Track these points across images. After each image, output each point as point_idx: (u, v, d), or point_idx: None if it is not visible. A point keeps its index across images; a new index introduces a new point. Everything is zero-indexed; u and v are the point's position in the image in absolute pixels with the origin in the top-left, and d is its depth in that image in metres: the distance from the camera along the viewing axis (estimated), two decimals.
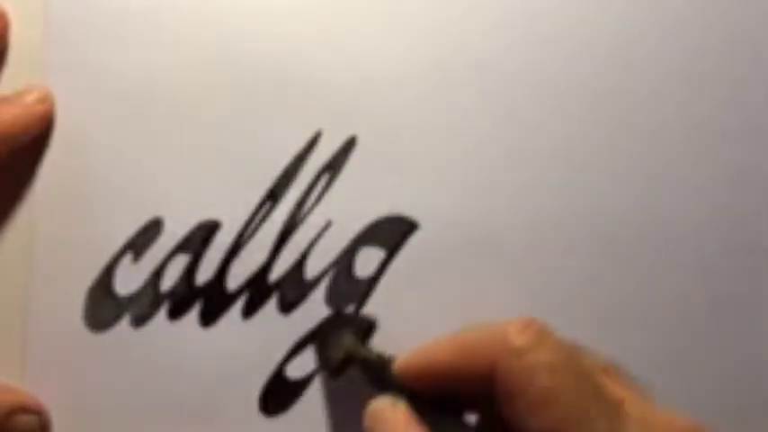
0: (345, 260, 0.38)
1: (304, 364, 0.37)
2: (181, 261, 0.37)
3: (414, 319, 0.37)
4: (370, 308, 0.38)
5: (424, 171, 0.38)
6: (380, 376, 0.34)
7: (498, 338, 0.31)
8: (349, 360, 0.36)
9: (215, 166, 0.38)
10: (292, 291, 0.37)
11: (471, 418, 0.34)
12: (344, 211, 0.38)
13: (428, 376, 0.33)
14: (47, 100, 0.37)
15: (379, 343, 0.37)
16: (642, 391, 0.32)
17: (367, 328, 0.37)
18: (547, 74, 0.38)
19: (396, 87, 0.38)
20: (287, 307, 0.37)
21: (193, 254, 0.37)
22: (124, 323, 0.37)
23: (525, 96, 0.38)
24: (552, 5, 0.38)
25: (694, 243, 0.38)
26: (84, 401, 0.37)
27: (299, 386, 0.37)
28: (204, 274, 0.38)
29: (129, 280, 0.37)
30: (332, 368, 0.36)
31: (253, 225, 0.38)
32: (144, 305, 0.37)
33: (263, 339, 0.37)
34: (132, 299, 0.37)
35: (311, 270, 0.38)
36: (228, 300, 0.37)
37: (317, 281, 0.38)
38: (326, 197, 0.38)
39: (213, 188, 0.38)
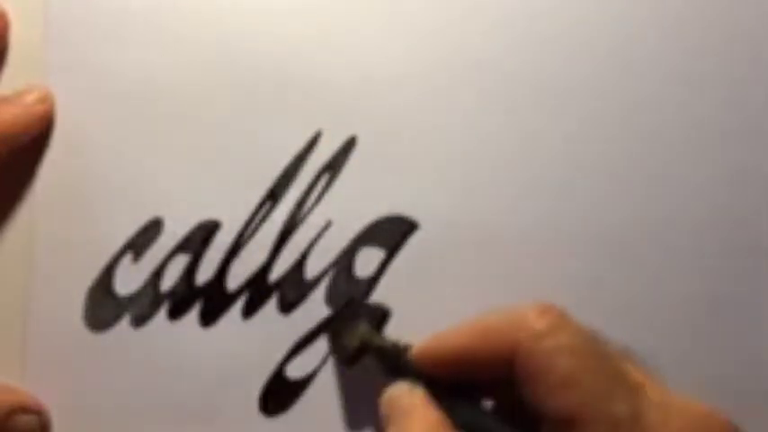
0: (345, 260, 0.38)
1: (304, 364, 0.37)
2: (181, 261, 0.37)
3: (414, 319, 0.37)
4: None
5: (424, 171, 0.38)
6: (396, 364, 0.34)
7: (518, 322, 0.31)
8: (364, 349, 0.36)
9: (215, 166, 0.38)
10: (292, 291, 0.37)
11: (487, 404, 0.34)
12: (344, 211, 0.38)
13: (446, 362, 0.33)
14: (47, 100, 0.37)
15: None
16: (658, 378, 0.32)
17: (381, 316, 0.37)
18: (547, 74, 0.38)
19: (396, 87, 0.38)
20: (287, 307, 0.37)
21: (193, 254, 0.37)
22: (124, 323, 0.37)
23: (525, 96, 0.38)
24: (552, 5, 0.38)
25: (694, 243, 0.38)
26: (84, 401, 0.37)
27: (299, 386, 0.37)
28: (204, 274, 0.38)
29: (129, 280, 0.37)
30: (347, 357, 0.36)
31: (253, 225, 0.38)
32: (144, 305, 0.37)
33: (263, 339, 0.37)
34: (132, 299, 0.37)
35: (311, 270, 0.38)
36: (228, 300, 0.37)
37: (317, 281, 0.38)
38: (326, 197, 0.38)
39: (213, 188, 0.38)
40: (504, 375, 0.31)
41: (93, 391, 0.37)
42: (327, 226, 0.38)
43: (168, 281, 0.37)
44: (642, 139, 0.38)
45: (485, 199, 0.38)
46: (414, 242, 0.38)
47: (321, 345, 0.37)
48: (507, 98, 0.38)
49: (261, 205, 0.38)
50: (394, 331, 0.37)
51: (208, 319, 0.37)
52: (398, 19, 0.38)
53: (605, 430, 0.29)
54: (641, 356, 0.37)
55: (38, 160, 0.38)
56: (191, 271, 0.37)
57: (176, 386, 0.37)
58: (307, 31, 0.38)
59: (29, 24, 0.38)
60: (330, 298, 0.37)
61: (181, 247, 0.37)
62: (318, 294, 0.38)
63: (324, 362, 0.37)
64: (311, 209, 0.38)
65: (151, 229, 0.38)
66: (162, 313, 0.37)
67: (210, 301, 0.37)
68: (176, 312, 0.37)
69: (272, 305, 0.37)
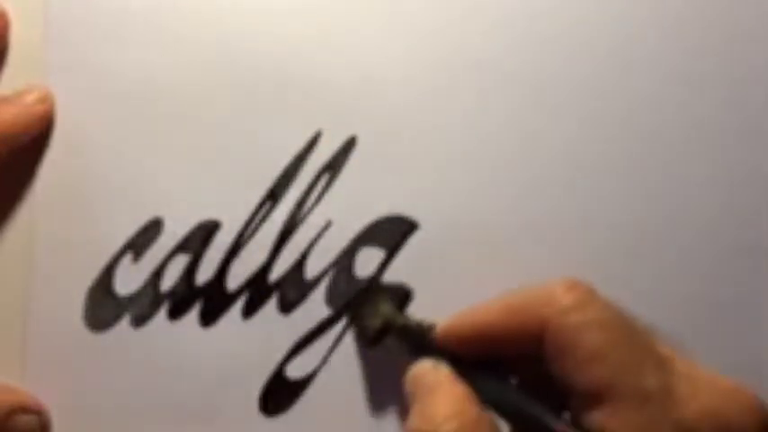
0: (345, 260, 0.38)
1: (304, 364, 0.37)
2: (181, 261, 0.37)
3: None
4: None
5: (424, 171, 0.38)
6: (421, 343, 0.34)
7: (546, 298, 0.31)
8: (387, 328, 0.36)
9: (215, 166, 0.38)
10: (292, 291, 0.37)
11: (512, 381, 0.34)
12: (344, 211, 0.38)
13: (472, 339, 0.33)
14: (47, 100, 0.37)
15: None
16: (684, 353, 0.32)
17: (403, 296, 0.37)
18: (547, 74, 0.38)
19: (396, 87, 0.38)
20: (287, 307, 0.37)
21: (193, 254, 0.37)
22: (124, 323, 0.37)
23: (525, 96, 0.38)
24: (552, 5, 0.38)
25: (694, 243, 0.38)
26: (84, 401, 0.37)
27: (299, 386, 0.37)
28: (204, 274, 0.38)
29: (129, 280, 0.37)
30: (369, 337, 0.36)
31: (253, 225, 0.38)
32: (144, 305, 0.37)
33: (263, 339, 0.37)
34: (132, 299, 0.37)
35: (311, 270, 0.38)
36: (228, 300, 0.37)
37: (317, 281, 0.38)
38: (326, 197, 0.38)
39: (213, 188, 0.38)
40: (531, 351, 0.31)
41: (93, 391, 0.37)
42: (327, 226, 0.38)
43: (168, 281, 0.37)
44: (642, 139, 0.38)
45: (485, 199, 0.38)
46: (414, 242, 0.38)
47: (321, 345, 0.37)
48: (507, 98, 0.38)
49: (261, 205, 0.38)
50: None
51: (208, 319, 0.37)
52: (398, 19, 0.38)
53: (635, 404, 0.29)
54: None
55: (38, 160, 0.37)
56: (191, 271, 0.37)
57: (176, 386, 0.37)
58: (307, 31, 0.38)
59: (29, 24, 0.38)
60: (330, 298, 0.37)
61: (181, 247, 0.37)
62: (318, 294, 0.38)
63: (324, 362, 0.37)
64: (311, 209, 0.38)
65: (151, 229, 0.38)
66: (162, 313, 0.37)
67: (210, 301, 0.37)
68: (176, 312, 0.37)
69: (272, 305, 0.37)
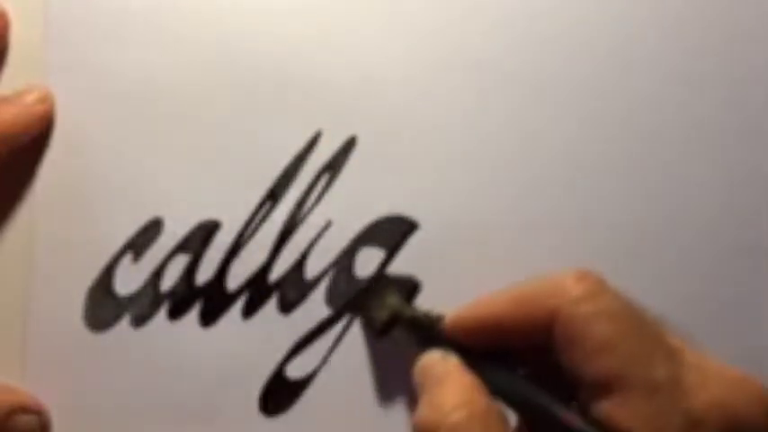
0: (345, 260, 0.38)
1: (304, 364, 0.37)
2: (181, 261, 0.37)
3: None
4: None
5: (424, 171, 0.38)
6: (429, 334, 0.34)
7: (556, 288, 0.31)
8: (394, 320, 0.36)
9: (215, 166, 0.38)
10: (292, 291, 0.37)
11: (520, 372, 0.34)
12: (344, 211, 0.38)
13: (481, 330, 0.33)
14: (47, 100, 0.37)
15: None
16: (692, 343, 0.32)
17: (411, 288, 0.37)
18: (547, 74, 0.38)
19: (396, 87, 0.38)
20: (287, 307, 0.37)
21: (193, 254, 0.37)
22: (124, 323, 0.37)
23: (525, 96, 0.38)
24: (552, 5, 0.38)
25: (694, 243, 0.38)
26: (84, 401, 0.37)
27: (299, 386, 0.37)
28: (204, 274, 0.38)
29: (129, 280, 0.37)
30: (377, 329, 0.36)
31: (253, 225, 0.38)
32: (144, 305, 0.37)
33: (263, 339, 0.37)
34: (132, 299, 0.37)
35: (311, 270, 0.38)
36: (228, 300, 0.37)
37: (317, 281, 0.38)
38: (326, 197, 0.38)
39: (213, 188, 0.38)
40: (539, 342, 0.31)
41: (93, 391, 0.37)
42: (327, 226, 0.38)
43: (168, 281, 0.37)
44: (642, 139, 0.38)
45: (485, 199, 0.38)
46: (414, 242, 0.38)
47: (321, 345, 0.37)
48: (507, 98, 0.38)
49: (261, 205, 0.38)
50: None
51: (208, 319, 0.37)
52: (398, 19, 0.38)
53: (644, 394, 0.29)
54: None
55: (38, 160, 0.37)
56: (191, 271, 0.37)
57: (176, 386, 0.37)
58: (307, 31, 0.38)
59: (29, 24, 0.38)
60: (330, 298, 0.37)
61: (181, 247, 0.37)
62: (318, 294, 0.38)
63: (324, 362, 0.37)
64: (311, 209, 0.38)
65: (151, 229, 0.38)
66: (162, 313, 0.37)
67: (210, 301, 0.37)
68: (176, 312, 0.37)
69: (272, 305, 0.37)
